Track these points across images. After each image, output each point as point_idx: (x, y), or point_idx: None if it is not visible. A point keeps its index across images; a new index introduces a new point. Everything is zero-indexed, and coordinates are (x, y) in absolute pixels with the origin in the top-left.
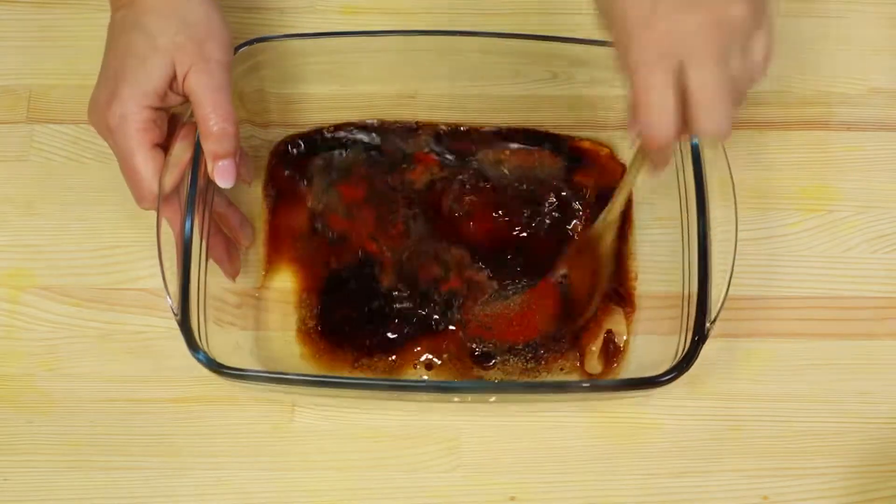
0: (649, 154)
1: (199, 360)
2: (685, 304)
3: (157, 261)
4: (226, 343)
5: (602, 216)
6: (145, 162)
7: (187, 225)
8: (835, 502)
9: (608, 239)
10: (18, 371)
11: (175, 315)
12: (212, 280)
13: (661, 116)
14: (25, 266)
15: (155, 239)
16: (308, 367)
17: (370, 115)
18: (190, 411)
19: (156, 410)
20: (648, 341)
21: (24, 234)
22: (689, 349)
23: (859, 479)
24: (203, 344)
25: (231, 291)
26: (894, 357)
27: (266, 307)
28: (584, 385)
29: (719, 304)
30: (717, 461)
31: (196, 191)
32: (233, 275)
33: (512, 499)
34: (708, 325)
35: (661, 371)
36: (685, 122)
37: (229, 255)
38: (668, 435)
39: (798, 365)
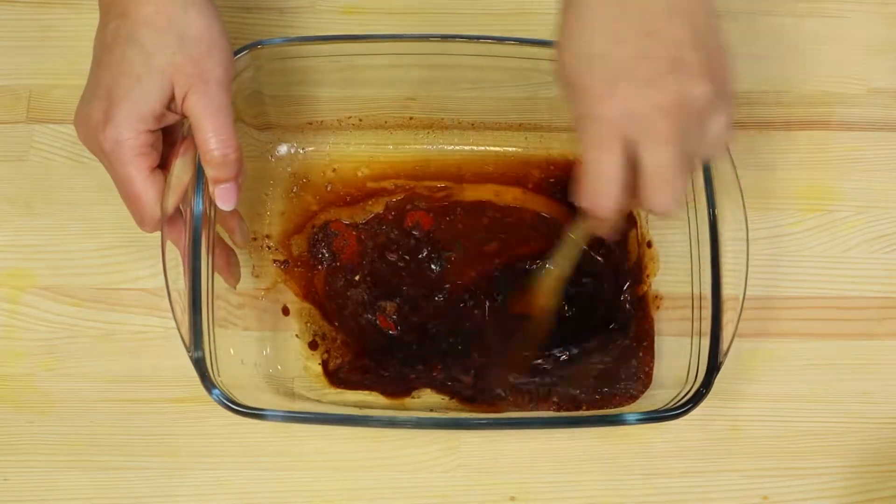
0: (593, 221)
1: (214, 398)
2: (695, 307)
3: (156, 261)
4: (227, 353)
5: (547, 270)
6: (145, 187)
7: (201, 283)
8: (835, 502)
9: (548, 293)
10: (18, 371)
11: (188, 352)
12: (218, 302)
13: (606, 191)
14: (25, 266)
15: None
16: (314, 378)
17: (370, 117)
18: (190, 411)
19: (156, 410)
20: (658, 342)
21: (24, 234)
22: (702, 383)
23: (859, 479)
24: (214, 375)
25: (235, 305)
26: (894, 357)
27: (274, 323)
28: (601, 419)
29: (730, 338)
30: (717, 461)
31: (199, 238)
32: (233, 284)
33: (512, 499)
34: (720, 358)
35: (670, 381)
36: (635, 194)
37: (229, 264)
38: (668, 435)
39: (798, 365)
